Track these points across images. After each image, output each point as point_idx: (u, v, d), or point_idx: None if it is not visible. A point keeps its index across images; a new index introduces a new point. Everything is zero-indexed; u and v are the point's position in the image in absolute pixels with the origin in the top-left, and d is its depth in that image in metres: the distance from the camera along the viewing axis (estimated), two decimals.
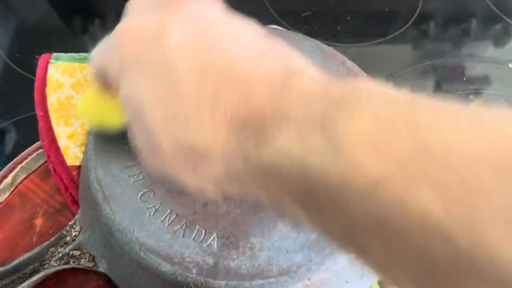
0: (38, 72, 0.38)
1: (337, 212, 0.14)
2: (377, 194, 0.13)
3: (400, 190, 0.13)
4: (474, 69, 0.51)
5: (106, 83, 0.23)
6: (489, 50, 0.53)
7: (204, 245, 0.27)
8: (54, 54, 0.39)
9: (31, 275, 0.30)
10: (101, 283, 0.31)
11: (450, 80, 0.50)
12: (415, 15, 0.48)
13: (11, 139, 0.38)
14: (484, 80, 0.51)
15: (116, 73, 0.20)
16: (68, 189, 0.34)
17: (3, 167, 0.35)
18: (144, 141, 0.20)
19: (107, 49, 0.21)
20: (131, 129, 0.20)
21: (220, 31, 0.19)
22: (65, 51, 0.39)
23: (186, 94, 0.17)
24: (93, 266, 0.30)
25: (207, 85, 0.17)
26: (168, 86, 0.18)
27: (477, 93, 0.50)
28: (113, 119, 0.26)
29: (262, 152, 0.16)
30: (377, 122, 0.14)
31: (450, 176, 0.12)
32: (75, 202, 0.34)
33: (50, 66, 0.38)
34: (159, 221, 0.28)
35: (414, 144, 0.13)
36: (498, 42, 0.53)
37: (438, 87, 0.49)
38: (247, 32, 0.19)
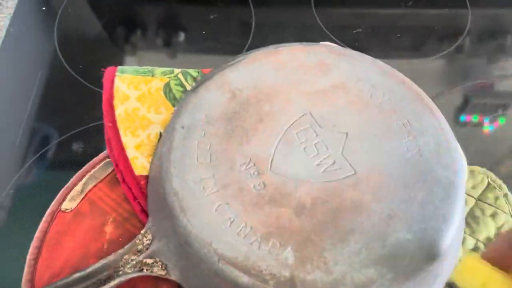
0: (105, 84, 0.39)
1: None
2: None
3: None
4: (503, 84, 0.52)
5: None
6: None
7: (280, 258, 0.28)
8: (119, 67, 0.40)
9: (105, 281, 0.31)
10: None
11: (478, 94, 0.51)
12: (465, 33, 0.48)
13: (76, 148, 0.40)
14: None
15: None
16: (136, 198, 0.35)
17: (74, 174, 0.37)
18: None
19: None
20: None
21: None
22: (110, 63, 0.41)
23: None
24: (165, 274, 0.31)
25: None
26: None
27: (505, 107, 0.50)
28: None
29: None
30: None
31: None
32: (143, 211, 0.35)
33: (116, 79, 0.39)
34: (235, 233, 0.29)
35: None
36: None
37: (466, 101, 0.49)
38: None
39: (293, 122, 0.34)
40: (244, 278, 0.27)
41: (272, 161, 0.32)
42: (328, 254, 0.28)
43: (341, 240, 0.29)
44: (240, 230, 0.29)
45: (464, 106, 0.49)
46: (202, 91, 0.35)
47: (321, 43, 0.42)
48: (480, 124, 0.49)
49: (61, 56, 0.46)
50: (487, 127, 0.50)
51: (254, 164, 0.32)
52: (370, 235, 0.29)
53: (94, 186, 0.37)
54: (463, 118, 0.50)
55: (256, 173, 0.31)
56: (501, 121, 0.51)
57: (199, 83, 0.35)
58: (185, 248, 0.29)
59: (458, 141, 0.34)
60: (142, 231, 0.33)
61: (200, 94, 0.35)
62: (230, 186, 0.31)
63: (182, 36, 0.53)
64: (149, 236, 0.32)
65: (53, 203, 0.35)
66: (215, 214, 0.30)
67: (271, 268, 0.28)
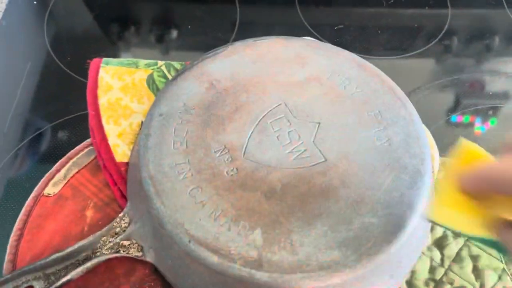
0: (90, 75, 0.40)
1: None
2: None
3: None
4: (495, 85, 0.53)
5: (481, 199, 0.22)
6: (510, 66, 0.54)
7: (248, 239, 0.29)
8: (105, 59, 0.42)
9: (83, 261, 0.32)
10: (147, 271, 0.33)
11: (470, 95, 0.52)
12: (443, 31, 0.50)
13: (62, 136, 0.41)
14: (504, 96, 0.52)
15: None
16: (117, 184, 0.36)
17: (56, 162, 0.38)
18: None
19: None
20: None
21: None
22: (97, 56, 0.42)
23: None
24: (141, 255, 0.32)
25: None
26: None
27: (496, 108, 0.51)
28: (469, 225, 0.24)
29: None
30: None
31: None
32: (123, 196, 0.36)
33: (101, 70, 0.41)
34: (207, 215, 0.30)
35: None
36: None
37: (458, 101, 0.51)
38: None
39: (268, 112, 0.35)
40: (213, 258, 0.28)
41: (245, 148, 0.33)
42: (294, 236, 0.29)
43: (308, 223, 0.30)
44: (212, 213, 0.30)
45: (455, 105, 0.50)
46: (181, 81, 0.36)
47: (303, 38, 0.43)
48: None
49: (50, 48, 0.47)
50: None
51: (228, 151, 0.33)
52: (336, 218, 0.30)
53: (77, 172, 0.38)
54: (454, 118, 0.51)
55: (229, 159, 0.33)
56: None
57: (178, 73, 0.37)
58: (159, 229, 0.31)
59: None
60: (120, 215, 0.34)
61: (178, 84, 0.36)
62: (204, 171, 0.32)
63: (174, 33, 0.54)
64: (127, 219, 0.34)
65: (36, 188, 0.37)
66: (188, 197, 0.31)
67: (239, 248, 0.29)
